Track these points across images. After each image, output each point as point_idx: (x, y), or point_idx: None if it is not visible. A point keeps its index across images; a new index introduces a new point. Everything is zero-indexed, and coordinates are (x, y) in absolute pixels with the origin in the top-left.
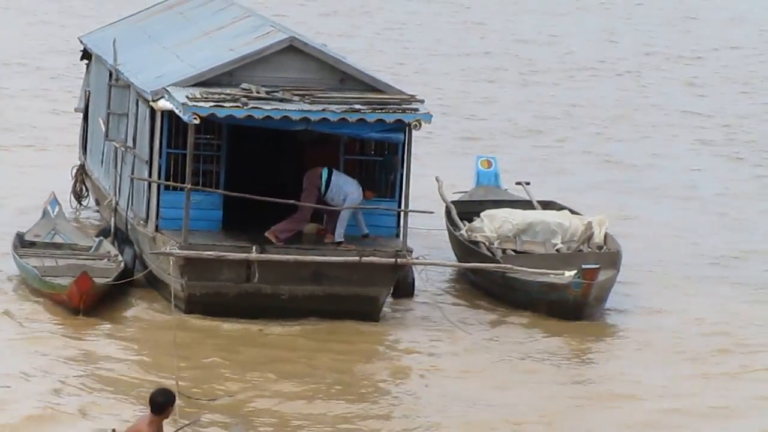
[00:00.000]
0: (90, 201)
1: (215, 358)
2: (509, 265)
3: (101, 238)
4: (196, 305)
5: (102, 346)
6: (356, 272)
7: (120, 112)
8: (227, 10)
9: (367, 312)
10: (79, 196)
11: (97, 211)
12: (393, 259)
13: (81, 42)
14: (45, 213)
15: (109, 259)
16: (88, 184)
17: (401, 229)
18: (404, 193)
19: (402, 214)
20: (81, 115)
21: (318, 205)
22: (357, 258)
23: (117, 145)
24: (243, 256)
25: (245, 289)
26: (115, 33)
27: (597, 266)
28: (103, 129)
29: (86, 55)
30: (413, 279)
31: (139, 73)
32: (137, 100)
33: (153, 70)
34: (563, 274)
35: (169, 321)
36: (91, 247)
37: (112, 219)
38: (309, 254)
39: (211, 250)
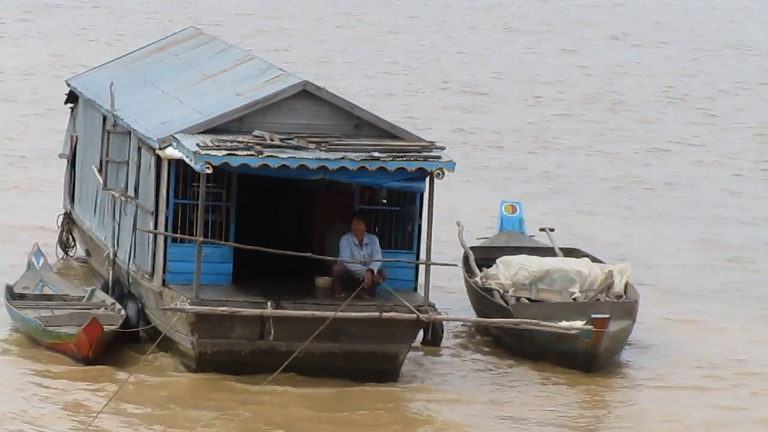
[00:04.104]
0: (77, 251)
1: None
2: (534, 321)
3: (93, 287)
4: (207, 364)
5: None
6: (375, 328)
7: (119, 159)
8: (227, 52)
9: (386, 371)
10: (65, 246)
11: (85, 262)
12: (414, 315)
13: (68, 85)
14: (30, 265)
15: (106, 308)
16: (75, 233)
17: (424, 282)
18: (427, 245)
19: (422, 267)
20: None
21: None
22: (377, 314)
23: (116, 195)
24: (258, 312)
25: (258, 347)
26: (106, 76)
27: (606, 316)
28: (98, 177)
29: (71, 98)
30: (442, 328)
31: (141, 119)
32: (139, 148)
33: (156, 116)
34: (570, 324)
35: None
36: (82, 297)
37: (110, 272)
38: (326, 310)
39: (223, 306)
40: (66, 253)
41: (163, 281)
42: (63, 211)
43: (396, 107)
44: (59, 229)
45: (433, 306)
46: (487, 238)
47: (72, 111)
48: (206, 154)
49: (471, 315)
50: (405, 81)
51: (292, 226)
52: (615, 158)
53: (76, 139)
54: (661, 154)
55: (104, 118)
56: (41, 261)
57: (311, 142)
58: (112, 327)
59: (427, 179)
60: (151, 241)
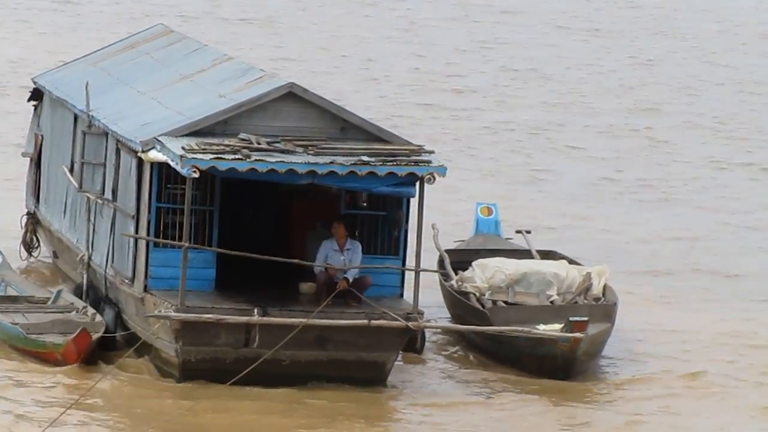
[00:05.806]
0: (41, 252)
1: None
2: (526, 329)
3: (59, 289)
4: (191, 371)
5: None
6: (363, 336)
7: (95, 161)
8: (201, 52)
9: (373, 378)
10: (29, 247)
11: (50, 263)
12: (404, 323)
13: (34, 83)
14: None
15: (77, 312)
16: (40, 234)
17: (413, 288)
18: (416, 252)
19: (410, 273)
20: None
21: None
22: (366, 321)
23: (92, 197)
24: (245, 319)
25: (244, 355)
26: (75, 74)
27: (585, 319)
28: (70, 178)
29: (35, 95)
30: (425, 336)
31: (119, 120)
32: (117, 150)
33: (135, 118)
34: (552, 329)
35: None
36: (48, 299)
37: (85, 276)
38: (314, 317)
39: (209, 313)
40: (30, 254)
41: (145, 287)
42: (26, 210)
43: (367, 106)
44: (23, 230)
45: (422, 313)
46: (462, 240)
47: (35, 109)
48: (193, 158)
49: (447, 317)
50: (377, 80)
51: (270, 229)
52: (593, 159)
53: (42, 138)
54: (638, 153)
55: (76, 118)
56: (0, 260)
57: (298, 146)
58: (98, 335)
59: (417, 184)
60: (131, 245)
